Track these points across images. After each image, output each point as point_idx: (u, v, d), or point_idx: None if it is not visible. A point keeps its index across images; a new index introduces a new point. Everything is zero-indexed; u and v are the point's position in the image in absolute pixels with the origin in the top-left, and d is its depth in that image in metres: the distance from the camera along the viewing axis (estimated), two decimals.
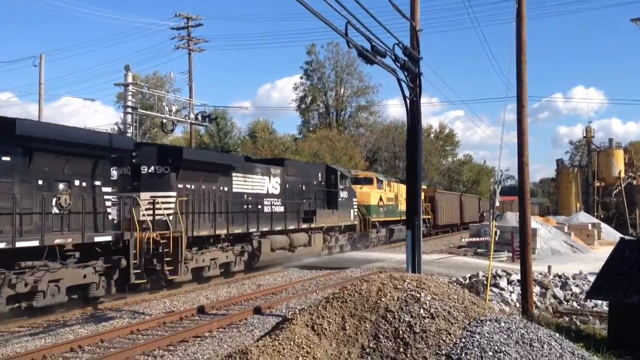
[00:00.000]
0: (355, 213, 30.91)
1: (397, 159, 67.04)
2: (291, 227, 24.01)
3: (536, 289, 15.39)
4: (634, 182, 64.20)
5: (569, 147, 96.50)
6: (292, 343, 6.85)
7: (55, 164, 14.09)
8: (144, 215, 16.65)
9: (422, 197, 19.36)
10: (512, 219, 32.30)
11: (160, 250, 16.49)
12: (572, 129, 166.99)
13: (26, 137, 13.17)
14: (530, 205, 15.44)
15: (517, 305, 14.51)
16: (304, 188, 25.91)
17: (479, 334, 6.99)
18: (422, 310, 7.26)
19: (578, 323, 12.99)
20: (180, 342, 11.50)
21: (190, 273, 18.13)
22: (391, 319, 7.20)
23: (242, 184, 21.34)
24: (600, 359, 8.18)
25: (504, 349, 6.76)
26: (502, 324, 7.25)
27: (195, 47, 39.82)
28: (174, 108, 30.59)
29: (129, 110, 27.43)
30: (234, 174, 20.77)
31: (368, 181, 35.18)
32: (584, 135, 69.36)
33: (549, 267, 19.59)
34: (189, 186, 18.44)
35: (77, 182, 14.60)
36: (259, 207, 21.94)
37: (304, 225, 25.14)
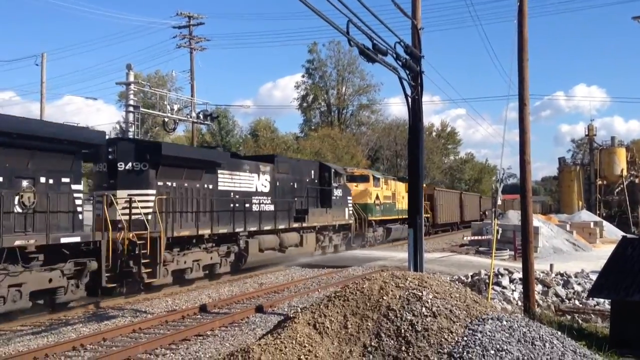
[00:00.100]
0: (351, 212, 30.06)
1: (399, 157, 67.01)
2: (281, 226, 23.15)
3: (538, 288, 15.38)
4: (636, 180, 64.09)
5: (571, 146, 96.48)
6: (294, 341, 6.85)
7: (17, 159, 13.20)
8: (121, 214, 15.97)
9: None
10: (514, 217, 32.24)
11: (137, 252, 15.72)
12: (574, 127, 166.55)
13: None
14: (532, 203, 15.43)
15: (519, 303, 14.50)
16: (295, 186, 25.07)
17: (480, 332, 6.99)
18: (424, 309, 7.26)
19: (580, 321, 12.98)
20: (182, 341, 11.52)
21: (171, 276, 17.28)
22: (393, 317, 7.21)
23: (229, 181, 20.53)
24: (602, 357, 8.17)
25: (505, 347, 6.76)
26: (504, 323, 7.25)
27: (197, 45, 39.80)
28: (175, 107, 30.60)
29: (131, 109, 27.42)
30: (219, 171, 19.95)
31: (364, 179, 34.27)
32: (586, 133, 69.26)
33: (551, 266, 19.58)
34: (169, 184, 17.65)
35: (42, 179, 13.65)
36: (247, 205, 21.10)
37: (296, 225, 24.24)
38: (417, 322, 7.09)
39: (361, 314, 7.35)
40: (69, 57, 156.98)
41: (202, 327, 12.51)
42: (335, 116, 69.85)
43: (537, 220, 29.22)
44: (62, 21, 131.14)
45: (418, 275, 8.30)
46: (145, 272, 16.00)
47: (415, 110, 13.39)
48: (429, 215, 42.76)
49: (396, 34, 12.39)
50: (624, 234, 28.55)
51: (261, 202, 22.19)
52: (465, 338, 6.94)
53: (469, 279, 16.63)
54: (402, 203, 38.37)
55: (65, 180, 14.28)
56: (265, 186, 22.72)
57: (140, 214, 16.18)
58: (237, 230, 20.24)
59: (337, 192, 28.31)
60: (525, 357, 6.69)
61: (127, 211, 16.17)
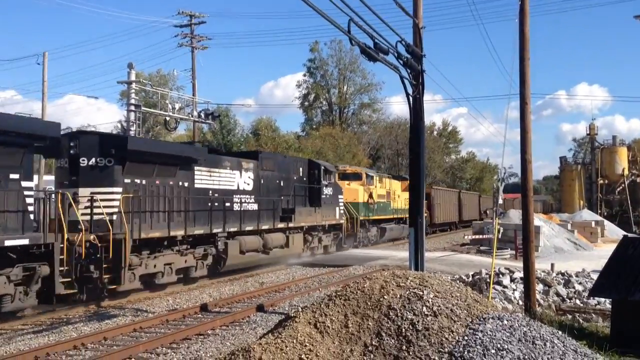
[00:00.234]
0: (342, 211, 28.76)
1: (400, 156, 66.98)
2: (265, 226, 21.86)
3: (539, 287, 15.38)
4: (638, 180, 64.15)
5: (572, 145, 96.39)
6: (294, 341, 6.86)
7: None
8: (82, 214, 14.73)
9: None
10: (515, 216, 32.25)
11: (98, 256, 14.50)
12: (576, 126, 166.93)
13: None
14: (534, 202, 15.44)
15: (520, 303, 14.50)
16: (282, 184, 23.74)
17: (481, 331, 6.99)
18: (424, 308, 7.26)
19: (581, 321, 12.97)
20: (183, 340, 11.52)
21: (139, 281, 16.06)
22: (394, 316, 7.21)
23: (207, 178, 19.25)
24: (603, 356, 8.17)
25: (506, 346, 6.76)
26: (505, 322, 7.25)
27: (199, 44, 39.80)
28: (177, 106, 30.61)
29: (132, 108, 27.44)
30: (196, 168, 18.64)
31: (356, 177, 33.06)
32: (588, 132, 69.24)
33: (552, 265, 19.59)
34: (138, 181, 16.31)
35: None
36: (227, 204, 19.83)
37: (281, 225, 22.89)
38: (418, 322, 7.09)
39: (362, 313, 7.35)
40: (71, 56, 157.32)
41: (203, 326, 12.51)
42: (337, 115, 69.84)
43: (538, 220, 29.20)
44: (64, 20, 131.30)
45: (419, 275, 8.30)
46: (108, 277, 14.75)
47: (416, 109, 13.39)
48: (426, 215, 41.79)
49: (397, 33, 12.39)
50: (625, 233, 28.55)
51: (243, 200, 20.94)
52: (466, 337, 6.94)
53: (470, 279, 16.63)
54: (398, 202, 37.78)
55: (14, 176, 13.01)
56: (248, 184, 21.50)
57: (102, 213, 14.86)
58: (215, 231, 18.98)
59: (327, 191, 27.11)
60: (526, 357, 6.68)
61: (88, 211, 14.91)
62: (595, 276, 14.11)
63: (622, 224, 52.63)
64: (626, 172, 62.99)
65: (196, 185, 18.66)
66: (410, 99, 13.24)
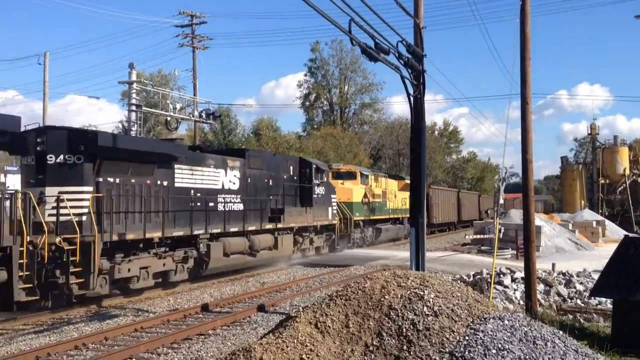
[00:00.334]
0: (335, 211, 27.69)
1: (401, 156, 66.94)
2: (252, 227, 20.83)
3: (540, 287, 15.38)
4: (639, 180, 64.07)
5: (573, 144, 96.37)
6: (295, 341, 6.86)
7: None
8: (48, 215, 14.00)
9: None
10: (516, 216, 32.26)
11: (65, 260, 13.59)
12: (577, 126, 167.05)
13: None
14: (535, 202, 15.43)
15: (521, 303, 14.50)
16: (270, 183, 22.73)
17: (482, 331, 6.99)
18: (425, 308, 7.26)
19: (582, 321, 12.97)
20: (184, 340, 11.53)
21: (111, 285, 15.19)
22: (395, 316, 7.21)
23: (188, 177, 18.22)
24: (604, 356, 8.16)
25: (507, 346, 6.76)
26: (506, 322, 7.24)
27: (200, 44, 39.82)
28: (178, 106, 30.63)
29: (134, 108, 27.47)
30: (176, 166, 17.63)
31: (351, 176, 32.06)
32: (589, 132, 69.18)
33: (553, 265, 19.59)
34: (111, 180, 15.35)
35: None
36: (211, 204, 18.86)
37: (269, 226, 21.87)
38: (419, 322, 7.09)
39: (363, 313, 7.35)
40: (72, 56, 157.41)
41: (204, 326, 12.52)
42: (338, 115, 69.85)
43: (539, 220, 29.18)
44: (65, 20, 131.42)
45: (420, 275, 8.30)
46: (75, 282, 13.75)
47: (417, 109, 13.40)
48: None
49: (398, 33, 12.40)
50: (627, 233, 28.54)
51: (228, 200, 19.95)
52: (467, 337, 6.94)
53: (471, 278, 16.63)
54: (394, 202, 37.20)
55: None
56: (233, 183, 20.48)
57: (69, 214, 13.94)
58: (197, 232, 17.98)
59: (319, 190, 26.02)
60: (527, 357, 6.68)
61: (60, 211, 14.03)
62: (596, 276, 14.10)
63: (623, 223, 52.57)
64: (627, 172, 62.95)
65: (176, 184, 17.69)
66: (411, 98, 13.26)
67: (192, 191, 18.32)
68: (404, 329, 7.04)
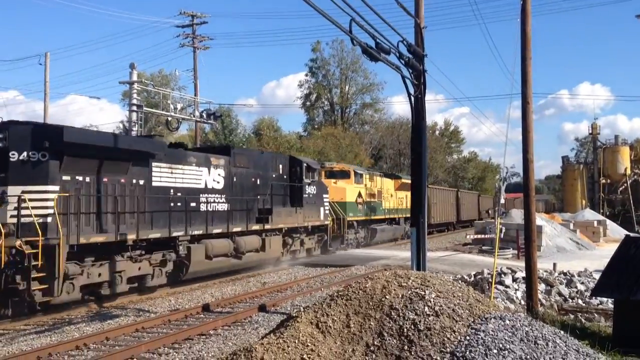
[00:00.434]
0: (327, 211, 26.79)
1: (402, 156, 66.98)
2: (237, 228, 19.91)
3: (541, 287, 15.37)
4: None
5: (574, 144, 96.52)
6: (296, 341, 6.86)
7: None
8: (10, 216, 13.26)
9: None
10: (517, 216, 32.24)
11: (26, 264, 12.78)
12: (578, 125, 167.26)
13: None
14: (536, 202, 15.42)
15: (522, 302, 14.49)
16: (258, 182, 21.82)
17: (483, 331, 6.99)
18: (426, 308, 7.25)
19: (583, 320, 12.95)
20: (185, 340, 11.53)
21: (79, 292, 14.27)
22: (396, 316, 7.21)
23: (167, 176, 17.30)
24: (605, 356, 8.16)
25: (508, 346, 6.76)
26: (507, 322, 7.24)
27: (200, 44, 39.79)
28: (179, 106, 30.59)
29: (134, 108, 27.45)
30: (154, 164, 16.72)
31: (344, 175, 31.13)
32: (590, 132, 69.22)
33: (554, 265, 19.57)
34: (80, 178, 14.45)
35: None
36: (193, 204, 18.03)
37: (256, 227, 20.97)
38: (420, 322, 7.09)
39: (364, 313, 7.35)
40: (73, 56, 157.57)
41: (205, 326, 12.52)
42: (339, 115, 69.88)
43: (540, 219, 29.20)
44: (66, 20, 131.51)
45: (421, 275, 8.30)
46: (38, 288, 12.93)
47: (418, 109, 13.40)
48: None
49: (399, 33, 12.40)
50: (628, 232, 28.52)
51: (211, 200, 19.09)
52: (468, 337, 6.94)
53: (472, 278, 16.63)
54: (390, 201, 36.63)
55: None
56: (217, 182, 19.60)
57: (31, 215, 13.06)
58: (176, 234, 17.07)
59: (310, 190, 25.09)
60: (528, 357, 6.68)
61: (23, 212, 13.21)
62: (597, 276, 14.08)
63: (624, 223, 52.57)
64: (628, 171, 62.97)
65: (154, 184, 16.76)
66: (412, 98, 13.26)
67: (172, 190, 17.48)
68: (405, 329, 7.04)
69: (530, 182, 13.97)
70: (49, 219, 13.49)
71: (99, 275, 14.74)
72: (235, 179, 20.60)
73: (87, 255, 14.40)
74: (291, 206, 23.85)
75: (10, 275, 12.73)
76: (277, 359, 6.54)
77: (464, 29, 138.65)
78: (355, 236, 31.21)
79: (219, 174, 19.72)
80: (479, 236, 31.30)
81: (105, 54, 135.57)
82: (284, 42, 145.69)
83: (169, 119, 31.13)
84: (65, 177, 14.13)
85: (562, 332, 7.63)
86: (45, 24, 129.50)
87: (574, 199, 65.41)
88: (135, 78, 27.81)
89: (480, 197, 65.03)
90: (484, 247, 29.58)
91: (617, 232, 41.35)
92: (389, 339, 7.00)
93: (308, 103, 70.47)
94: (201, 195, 18.67)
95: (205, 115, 32.30)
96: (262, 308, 14.48)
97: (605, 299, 13.74)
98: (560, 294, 15.52)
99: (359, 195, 31.34)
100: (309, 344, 6.85)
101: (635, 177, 64.01)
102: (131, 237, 15.45)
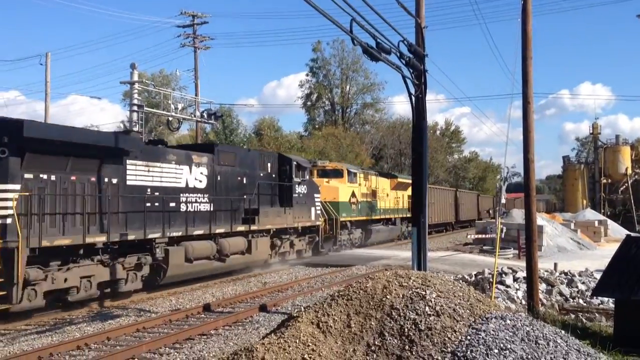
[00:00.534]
0: (319, 212, 25.97)
1: (403, 156, 67.00)
2: (221, 230, 19.02)
3: (542, 287, 15.36)
4: None
5: (575, 144, 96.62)
6: (297, 341, 6.86)
7: None
8: None
9: (410, 193, 15.81)
10: (518, 216, 32.22)
11: None
12: (579, 125, 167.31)
13: None
14: (537, 202, 15.41)
15: (523, 302, 14.49)
16: (244, 181, 20.95)
17: (484, 331, 6.98)
18: (427, 308, 7.25)
19: (584, 320, 12.96)
20: (186, 340, 11.54)
21: (43, 298, 13.34)
22: (396, 316, 7.20)
23: (143, 174, 16.41)
24: (606, 356, 8.15)
25: (509, 346, 6.75)
26: (508, 322, 7.24)
27: (201, 44, 39.80)
28: (179, 106, 30.55)
29: (135, 108, 27.43)
30: (129, 162, 15.84)
31: (337, 174, 30.25)
32: (591, 131, 69.28)
33: (555, 265, 19.56)
34: (44, 176, 13.55)
35: None
36: (172, 205, 17.17)
37: (241, 228, 20.04)
38: (421, 321, 7.09)
39: (365, 313, 7.35)
40: (74, 56, 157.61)
41: (206, 326, 12.53)
42: (339, 115, 69.91)
43: (541, 219, 29.21)
44: (66, 20, 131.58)
45: (421, 274, 8.29)
46: None
47: (419, 108, 13.39)
48: None
49: (400, 33, 12.39)
50: (629, 232, 28.53)
51: (193, 200, 18.25)
52: (468, 337, 6.94)
53: (473, 278, 16.63)
54: (386, 201, 36.06)
55: None
56: (200, 181, 18.75)
57: None
58: (152, 236, 16.12)
59: (300, 189, 24.25)
60: (529, 356, 6.67)
61: None
62: (598, 275, 14.08)
63: (625, 223, 52.60)
64: (629, 171, 62.99)
65: (129, 182, 15.87)
66: (413, 98, 13.25)
67: (149, 190, 16.55)
68: (406, 329, 7.04)
69: (531, 182, 13.97)
70: (8, 220, 12.55)
71: (65, 280, 13.78)
72: (219, 178, 19.78)
73: (53, 259, 13.54)
74: (280, 206, 23.07)
75: None
76: (278, 359, 6.54)
77: (464, 29, 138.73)
78: (348, 237, 30.43)
79: (201, 173, 18.93)
80: (480, 236, 31.30)
81: (106, 54, 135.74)
82: (285, 42, 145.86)
83: (170, 119, 31.08)
84: (27, 175, 13.19)
85: (563, 331, 7.62)
86: (45, 24, 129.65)
87: (575, 199, 65.44)
88: (136, 78, 27.73)
89: (480, 197, 64.87)
90: (484, 247, 29.57)
91: (618, 232, 41.37)
92: (390, 339, 7.00)
93: (309, 103, 70.52)
94: (181, 194, 17.87)
95: (206, 115, 32.25)
96: (263, 308, 14.48)
97: (606, 299, 13.74)
98: (561, 293, 15.51)
99: (353, 194, 30.61)
100: (310, 344, 6.86)
101: (636, 176, 64.04)
102: (101, 239, 14.57)
